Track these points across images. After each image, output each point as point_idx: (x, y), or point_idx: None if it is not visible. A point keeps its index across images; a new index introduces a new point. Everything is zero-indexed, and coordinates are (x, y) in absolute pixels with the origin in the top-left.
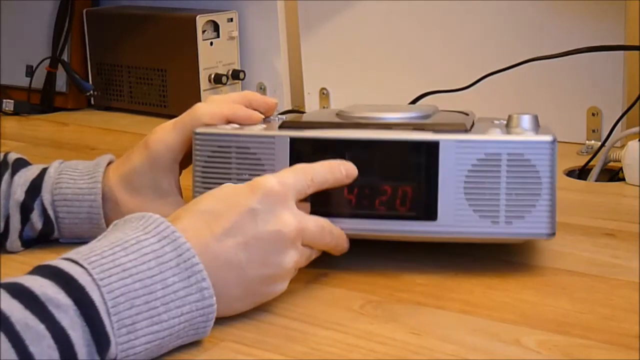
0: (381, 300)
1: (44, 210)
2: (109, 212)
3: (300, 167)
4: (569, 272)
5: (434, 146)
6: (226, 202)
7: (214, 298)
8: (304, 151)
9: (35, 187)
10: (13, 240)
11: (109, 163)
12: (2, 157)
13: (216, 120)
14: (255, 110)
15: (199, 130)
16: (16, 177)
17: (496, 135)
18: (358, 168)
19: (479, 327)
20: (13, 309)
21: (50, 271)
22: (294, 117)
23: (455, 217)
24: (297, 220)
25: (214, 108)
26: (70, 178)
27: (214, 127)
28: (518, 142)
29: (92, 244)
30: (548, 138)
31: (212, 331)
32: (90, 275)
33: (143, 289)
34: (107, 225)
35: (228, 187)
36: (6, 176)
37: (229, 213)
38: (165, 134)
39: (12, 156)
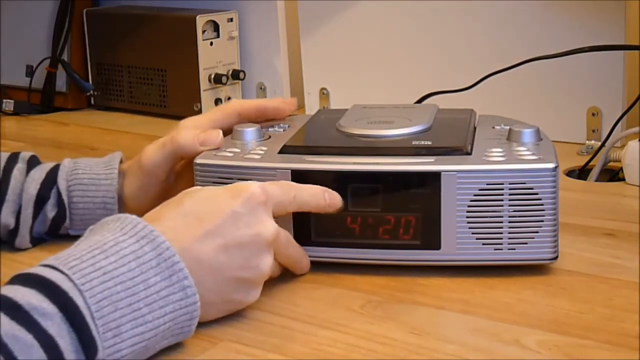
0: (381, 300)
1: (59, 196)
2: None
3: (285, 183)
4: (569, 272)
5: (435, 177)
6: (208, 204)
7: (197, 296)
8: (305, 182)
9: (51, 179)
10: (23, 235)
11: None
12: (9, 154)
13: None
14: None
15: (199, 160)
16: (32, 172)
17: (497, 164)
18: (360, 198)
19: (479, 327)
20: None
21: (30, 279)
22: (295, 136)
23: (459, 245)
24: (275, 225)
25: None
26: (87, 166)
27: (215, 158)
28: (519, 170)
29: (71, 249)
30: (550, 165)
31: (212, 331)
32: (72, 280)
33: (125, 291)
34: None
35: (210, 189)
36: (15, 172)
37: (211, 215)
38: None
39: (26, 154)
